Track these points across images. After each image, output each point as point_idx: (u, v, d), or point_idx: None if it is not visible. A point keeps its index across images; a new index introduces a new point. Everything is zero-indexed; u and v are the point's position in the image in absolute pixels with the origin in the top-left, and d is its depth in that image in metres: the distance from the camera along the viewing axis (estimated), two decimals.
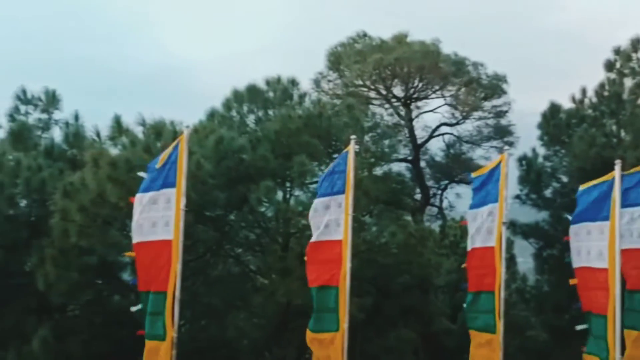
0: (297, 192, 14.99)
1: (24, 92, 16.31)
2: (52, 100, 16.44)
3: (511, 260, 19.28)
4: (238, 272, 15.72)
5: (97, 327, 14.79)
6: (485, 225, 11.25)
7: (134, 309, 10.46)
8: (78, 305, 15.54)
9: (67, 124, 16.49)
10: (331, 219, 11.06)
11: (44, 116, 16.47)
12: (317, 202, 11.27)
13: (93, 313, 15.05)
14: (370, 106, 22.75)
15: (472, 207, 11.67)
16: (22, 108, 16.27)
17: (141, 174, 10.66)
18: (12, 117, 16.14)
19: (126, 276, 15.31)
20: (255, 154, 14.26)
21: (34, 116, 16.40)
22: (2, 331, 13.69)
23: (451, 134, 24.59)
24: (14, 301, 14.48)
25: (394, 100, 23.49)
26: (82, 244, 13.67)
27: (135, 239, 10.45)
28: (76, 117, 16.46)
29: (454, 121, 24.30)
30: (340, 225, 10.98)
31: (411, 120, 23.45)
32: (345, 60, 22.73)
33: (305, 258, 11.35)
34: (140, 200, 10.47)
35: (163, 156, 10.62)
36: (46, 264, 13.74)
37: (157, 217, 10.36)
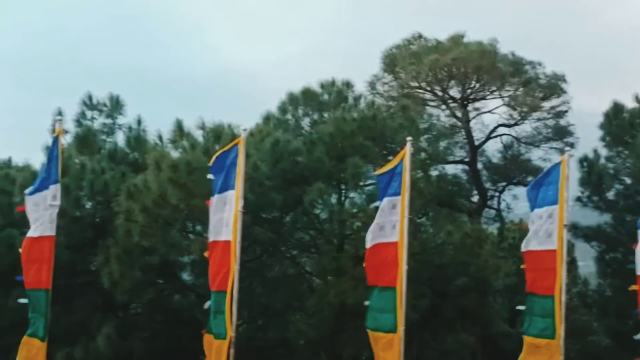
0: (351, 194, 15.07)
1: (90, 98, 16.90)
2: (116, 105, 16.99)
3: (572, 264, 18.84)
4: (294, 273, 15.89)
5: (158, 325, 15.20)
6: (544, 228, 11.07)
7: (206, 305, 10.77)
8: (140, 303, 16.00)
9: (129, 128, 17.02)
10: (388, 221, 11.10)
11: (109, 121, 17.03)
12: (379, 204, 11.33)
13: (154, 311, 15.47)
14: (426, 108, 22.63)
15: (531, 209, 11.51)
16: (88, 113, 16.85)
17: (209, 176, 10.97)
18: (78, 122, 16.75)
19: (186, 276, 15.70)
20: (310, 157, 14.41)
21: (99, 121, 16.98)
22: (69, 328, 14.20)
23: (509, 135, 24.24)
24: (81, 299, 15.02)
25: (450, 101, 23.30)
26: (145, 244, 14.09)
27: (210, 239, 10.81)
28: (138, 122, 16.98)
29: (511, 122, 23.95)
30: (396, 227, 11.01)
31: (468, 121, 23.21)
32: (401, 62, 22.68)
33: (365, 261, 11.42)
34: (214, 201, 10.81)
35: (217, 155, 10.92)
36: (111, 262, 14.21)
37: (222, 218, 10.65)
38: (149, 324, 15.29)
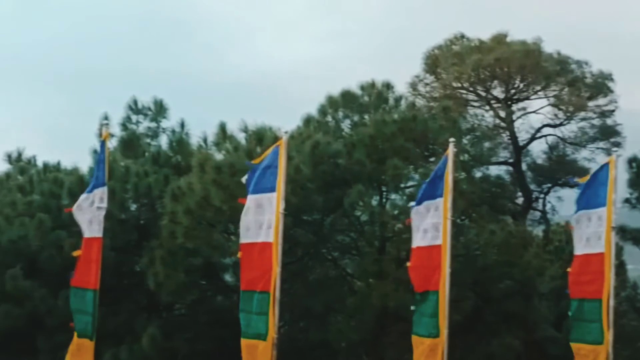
0: (392, 196, 14.96)
1: (135, 102, 17.19)
2: (160, 109, 17.24)
3: (620, 267, 18.35)
4: (335, 275, 15.86)
5: (202, 326, 15.35)
6: (592, 230, 10.80)
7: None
8: (184, 304, 16.19)
9: (173, 131, 17.26)
10: (431, 224, 10.98)
11: (153, 124, 17.30)
12: (419, 207, 11.21)
13: (198, 312, 15.63)
14: (469, 108, 22.36)
15: (576, 211, 11.24)
16: (134, 117, 17.15)
17: (243, 179, 11.02)
18: (124, 126, 17.06)
19: (228, 277, 15.84)
20: (350, 159, 14.37)
21: (144, 125, 17.27)
22: (115, 328, 14.45)
23: (554, 135, 23.80)
24: (126, 300, 15.28)
25: (493, 101, 22.99)
26: (188, 246, 14.26)
27: (242, 240, 10.83)
28: (181, 125, 17.21)
29: (557, 122, 23.50)
30: (439, 230, 10.88)
31: (512, 121, 22.86)
32: (443, 62, 22.48)
33: (408, 263, 11.31)
34: (247, 202, 10.84)
35: (260, 158, 10.96)
36: (156, 264, 14.42)
37: (261, 220, 10.68)
38: (192, 324, 15.47)
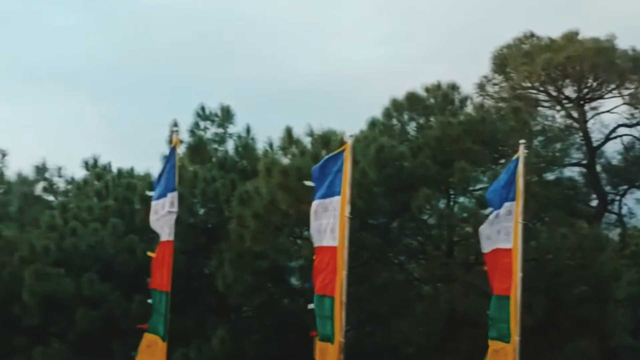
0: (460, 199, 14.72)
1: (203, 109, 17.61)
2: (226, 115, 17.60)
3: None
4: (401, 279, 15.74)
5: (269, 328, 15.53)
6: None
7: (310, 306, 10.89)
8: (251, 307, 16.41)
9: (239, 136, 17.57)
10: (501, 227, 10.76)
11: (220, 130, 17.68)
12: (490, 210, 11.02)
13: (265, 315, 15.82)
14: (540, 109, 21.75)
15: None
16: (201, 124, 17.57)
17: (308, 183, 11.09)
18: (192, 133, 17.49)
19: (294, 280, 15.96)
20: (416, 162, 14.25)
21: (211, 131, 17.65)
22: (185, 330, 14.80)
23: (630, 135, 22.81)
24: (196, 302, 15.63)
25: (565, 101, 22.27)
26: (256, 249, 14.46)
27: (315, 244, 10.95)
28: (248, 130, 17.51)
29: (633, 121, 22.53)
30: (510, 234, 10.65)
31: (585, 121, 22.08)
32: (512, 62, 21.94)
33: (486, 267, 11.12)
34: (314, 207, 10.92)
35: (324, 162, 11.01)
36: (224, 266, 14.70)
37: (326, 223, 10.73)
38: (259, 327, 15.66)
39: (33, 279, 14.90)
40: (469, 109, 15.51)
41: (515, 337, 10.41)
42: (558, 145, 18.10)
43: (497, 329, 10.65)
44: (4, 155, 24.25)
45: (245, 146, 17.26)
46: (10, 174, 20.37)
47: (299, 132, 15.53)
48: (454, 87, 15.58)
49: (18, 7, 43.26)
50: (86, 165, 19.15)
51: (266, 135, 16.92)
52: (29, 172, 18.83)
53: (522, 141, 11.15)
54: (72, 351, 15.56)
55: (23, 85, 40.70)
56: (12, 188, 18.48)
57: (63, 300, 15.10)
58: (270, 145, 16.82)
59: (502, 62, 22.26)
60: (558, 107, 22.34)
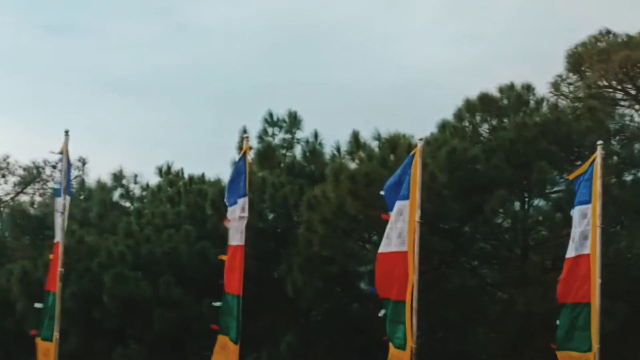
0: (536, 202, 14.30)
1: (271, 115, 17.80)
2: (294, 121, 17.73)
3: None
4: (474, 284, 15.40)
5: (338, 333, 15.48)
6: None
7: (380, 313, 10.83)
8: (321, 311, 16.42)
9: (307, 142, 17.66)
10: (579, 231, 10.37)
11: (287, 136, 17.81)
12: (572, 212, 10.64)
13: (334, 320, 15.79)
14: (617, 108, 20.90)
15: None
16: (269, 130, 17.76)
17: (382, 192, 11.01)
18: (260, 139, 17.71)
19: (363, 285, 15.87)
20: (489, 164, 13.93)
21: (279, 137, 17.81)
22: (255, 334, 14.95)
23: None
24: (266, 306, 15.76)
25: None
26: (325, 254, 14.46)
27: (380, 249, 10.89)
28: (315, 136, 17.57)
29: None
30: (587, 238, 10.25)
31: None
32: (588, 60, 21.18)
33: (562, 275, 10.75)
34: (391, 215, 10.86)
35: (398, 169, 10.91)
36: (293, 271, 14.76)
37: (396, 228, 10.64)
38: (329, 332, 15.64)
39: (112, 283, 15.39)
40: (544, 109, 15.07)
41: (596, 345, 10.00)
42: (637, 146, 17.32)
43: (575, 338, 10.26)
44: (84, 163, 25.35)
45: (313, 151, 17.32)
46: (90, 181, 21.21)
47: (366, 136, 15.47)
48: (528, 88, 15.18)
49: (94, 21, 45.13)
50: (160, 172, 19.67)
51: (334, 140, 16.95)
52: (107, 179, 19.52)
53: (599, 142, 10.73)
54: (149, 352, 15.99)
55: (100, 96, 42.43)
56: (92, 195, 19.17)
57: (140, 303, 15.53)
58: (338, 150, 16.83)
59: (577, 60, 21.51)
60: (636, 106, 21.42)
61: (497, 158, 13.93)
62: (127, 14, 44.91)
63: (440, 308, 14.27)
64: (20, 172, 26.01)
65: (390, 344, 10.60)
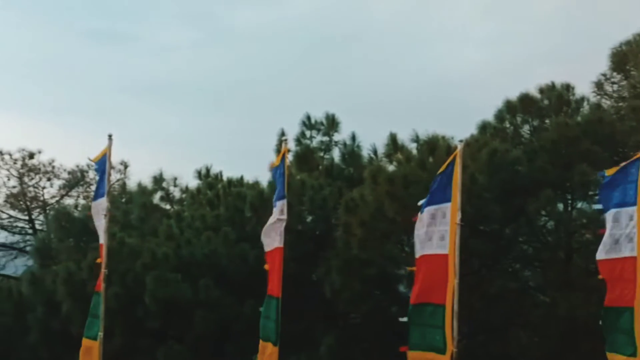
0: (579, 204, 14.04)
1: (309, 118, 17.87)
2: (332, 123, 17.77)
3: None
4: (515, 288, 15.19)
5: (377, 336, 15.43)
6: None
7: (403, 319, 10.75)
8: (359, 314, 16.39)
9: (344, 144, 17.67)
10: (623, 234, 10.13)
11: (325, 139, 17.86)
12: (608, 215, 10.41)
13: (373, 323, 15.74)
14: None
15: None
16: (307, 133, 17.83)
17: (420, 203, 10.89)
18: (298, 141, 17.78)
19: (402, 288, 15.79)
20: (531, 166, 13.74)
21: (317, 139, 17.87)
22: (294, 336, 14.99)
23: None
24: (305, 308, 15.80)
25: None
26: (363, 256, 14.43)
27: (417, 253, 10.78)
28: (353, 138, 17.58)
29: None
30: (633, 241, 10.00)
31: None
32: (632, 59, 20.68)
33: (601, 276, 10.53)
34: (421, 215, 10.76)
35: (439, 171, 10.82)
36: (332, 273, 14.78)
37: (434, 231, 10.55)
38: (368, 334, 15.60)
39: (154, 284, 15.63)
40: (585, 109, 14.80)
41: None
42: None
43: (619, 341, 10.03)
44: (126, 166, 25.80)
45: (351, 154, 17.33)
46: (132, 184, 21.57)
47: (403, 138, 15.39)
48: (569, 88, 14.93)
49: (134, 27, 45.98)
50: (199, 174, 19.90)
51: (372, 142, 16.92)
52: (148, 182, 19.82)
53: None
54: (190, 352, 16.20)
55: (141, 100, 43.19)
56: (133, 198, 19.49)
57: (181, 304, 15.74)
58: (375, 152, 16.80)
59: (621, 59, 21.04)
60: None
61: (540, 159, 13.73)
62: (167, 20, 45.65)
63: (481, 311, 14.11)
64: (65, 175, 26.62)
65: (413, 350, 10.43)
